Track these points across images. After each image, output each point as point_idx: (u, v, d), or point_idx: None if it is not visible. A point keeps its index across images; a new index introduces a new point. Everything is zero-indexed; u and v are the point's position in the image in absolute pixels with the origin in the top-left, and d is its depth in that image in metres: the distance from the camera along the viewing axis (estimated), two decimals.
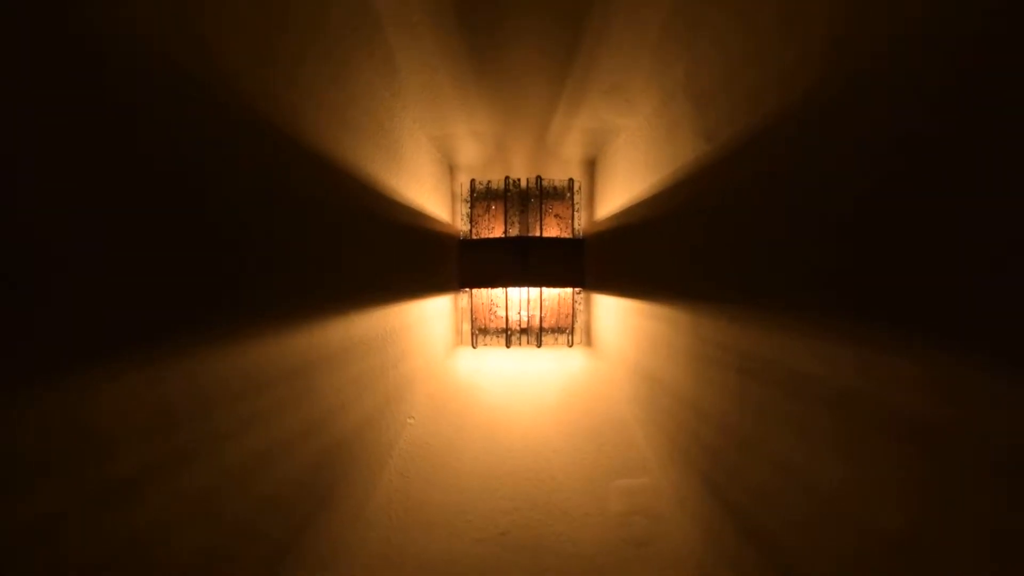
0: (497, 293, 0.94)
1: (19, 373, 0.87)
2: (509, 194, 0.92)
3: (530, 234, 0.91)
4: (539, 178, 0.93)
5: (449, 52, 0.92)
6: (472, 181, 0.94)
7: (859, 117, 0.86)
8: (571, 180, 0.93)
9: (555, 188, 0.92)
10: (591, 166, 0.96)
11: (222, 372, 0.90)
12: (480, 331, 0.94)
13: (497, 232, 0.92)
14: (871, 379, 0.88)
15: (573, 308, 0.96)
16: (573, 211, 0.93)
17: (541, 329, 0.95)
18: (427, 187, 0.96)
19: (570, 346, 0.96)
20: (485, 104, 0.93)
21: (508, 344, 0.94)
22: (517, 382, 0.98)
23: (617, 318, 0.99)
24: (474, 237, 0.92)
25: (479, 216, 0.93)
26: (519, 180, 0.93)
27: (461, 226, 0.95)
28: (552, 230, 0.92)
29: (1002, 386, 0.87)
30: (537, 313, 0.95)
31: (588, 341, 0.98)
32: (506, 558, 0.95)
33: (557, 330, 0.96)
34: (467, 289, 0.94)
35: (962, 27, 0.88)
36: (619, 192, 0.96)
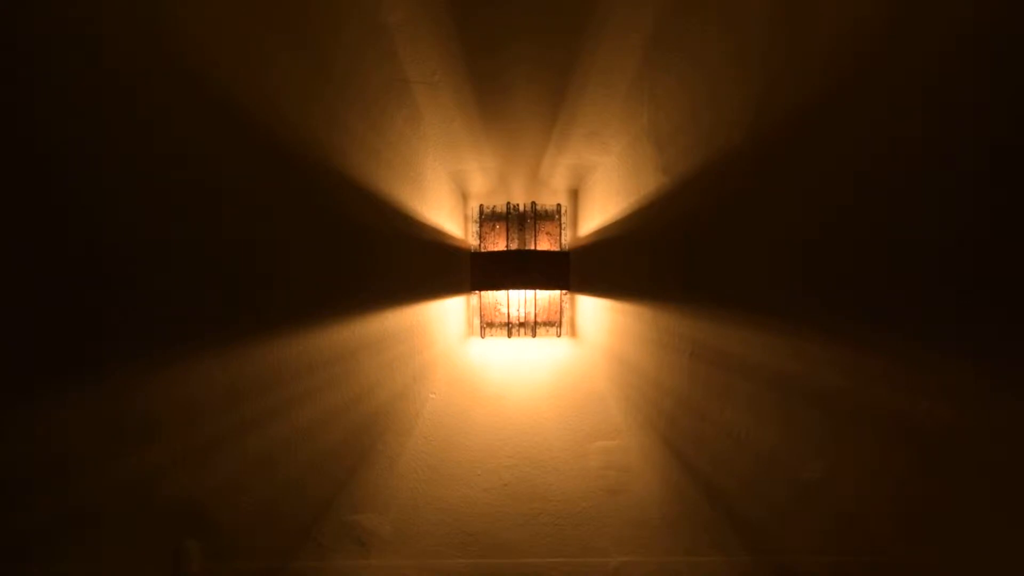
0: (500, 294, 1.19)
1: (141, 357, 1.15)
2: (510, 216, 1.17)
3: (527, 248, 1.15)
4: (533, 203, 1.17)
5: (462, 104, 1.16)
6: (480, 206, 1.18)
7: (790, 151, 1.11)
8: (559, 205, 1.18)
9: (546, 211, 1.17)
10: (575, 194, 1.21)
11: (282, 356, 1.15)
12: (487, 324, 1.19)
13: (500, 246, 1.17)
14: (781, 357, 1.13)
15: (561, 306, 1.20)
16: (560, 230, 1.18)
17: (535, 323, 1.20)
18: (445, 211, 1.21)
19: (559, 336, 1.20)
20: (491, 146, 1.18)
21: (509, 335, 1.19)
22: (516, 365, 1.23)
23: (595, 314, 1.24)
24: (482, 250, 1.17)
25: (486, 233, 1.18)
26: (518, 205, 1.17)
27: (472, 241, 1.20)
28: (544, 245, 1.17)
29: (884, 362, 1.14)
30: (532, 310, 1.20)
31: (573, 332, 1.23)
32: (508, 504, 1.19)
33: (548, 324, 1.20)
34: (477, 291, 1.19)
35: (880, 89, 1.14)
36: (596, 215, 1.21)
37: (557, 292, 1.17)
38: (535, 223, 1.15)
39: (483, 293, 1.16)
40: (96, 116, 1.12)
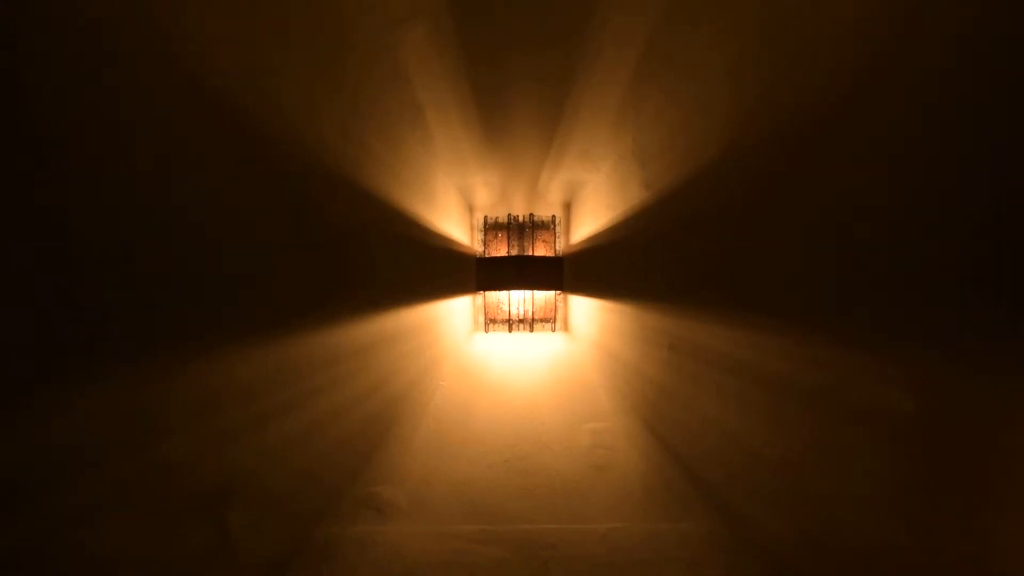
0: (502, 294, 1.34)
1: (175, 351, 1.31)
2: (511, 226, 1.33)
3: (525, 254, 1.31)
4: (531, 215, 1.33)
5: (469, 126, 1.32)
6: (485, 216, 1.34)
7: (770, 165, 1.27)
8: (553, 216, 1.34)
9: (542, 221, 1.33)
10: (568, 206, 1.37)
11: (310, 348, 1.31)
12: (490, 321, 1.35)
13: (502, 252, 1.32)
14: (752, 349, 1.29)
15: (555, 305, 1.36)
16: (555, 238, 1.34)
17: (533, 320, 1.36)
18: (453, 220, 1.37)
19: (553, 331, 1.36)
20: (495, 163, 1.34)
21: (510, 330, 1.35)
22: (516, 356, 1.39)
23: (586, 312, 1.40)
24: (486, 256, 1.33)
25: (490, 241, 1.33)
26: (518, 216, 1.33)
27: (477, 248, 1.36)
28: (540, 251, 1.33)
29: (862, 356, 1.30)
30: (530, 308, 1.36)
31: (566, 328, 1.39)
32: (509, 478, 1.35)
33: (544, 320, 1.36)
34: (481, 292, 1.35)
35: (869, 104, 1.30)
36: (587, 225, 1.37)
37: (552, 292, 1.33)
38: (533, 232, 1.31)
39: (487, 293, 1.32)
40: (111, 131, 1.27)
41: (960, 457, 1.24)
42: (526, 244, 1.28)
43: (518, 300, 1.29)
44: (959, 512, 1.23)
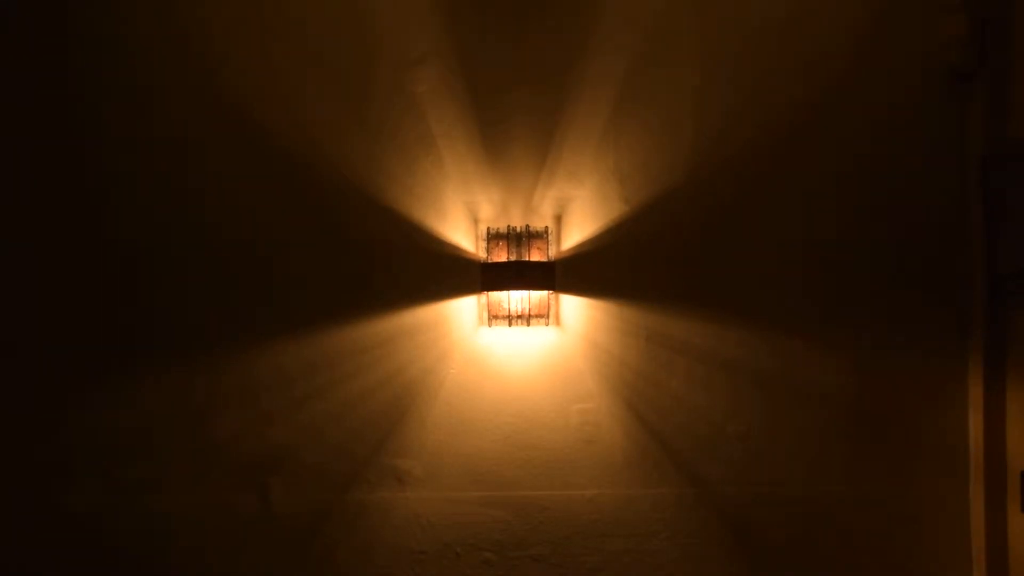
0: (503, 294, 1.56)
1: (224, 347, 1.55)
2: (510, 235, 1.54)
3: (523, 259, 1.54)
4: (527, 226, 1.54)
5: (474, 151, 1.54)
6: (487, 227, 1.56)
7: (724, 187, 1.50)
8: (546, 227, 1.55)
9: (537, 232, 1.55)
10: (558, 219, 1.58)
11: (340, 340, 1.53)
12: (493, 317, 1.57)
13: (503, 258, 1.53)
14: (715, 339, 1.52)
15: (549, 303, 1.58)
16: (548, 245, 1.55)
17: (529, 315, 1.58)
18: (461, 231, 1.59)
19: (547, 326, 1.59)
20: (497, 183, 1.56)
21: (510, 325, 1.56)
22: (516, 346, 1.60)
23: (575, 309, 1.62)
24: (489, 261, 1.56)
25: (492, 248, 1.55)
26: (516, 227, 1.55)
27: (481, 254, 1.58)
28: (535, 257, 1.54)
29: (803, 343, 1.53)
30: (527, 306, 1.57)
31: (558, 323, 1.62)
32: (509, 451, 1.57)
33: (539, 316, 1.58)
34: (485, 292, 1.58)
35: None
36: (575, 234, 1.59)
37: (546, 292, 1.55)
38: (529, 240, 1.53)
39: (490, 293, 1.54)
40: (149, 158, 1.51)
41: (881, 422, 1.48)
42: (523, 251, 1.51)
43: (517, 299, 1.52)
44: (881, 466, 1.47)
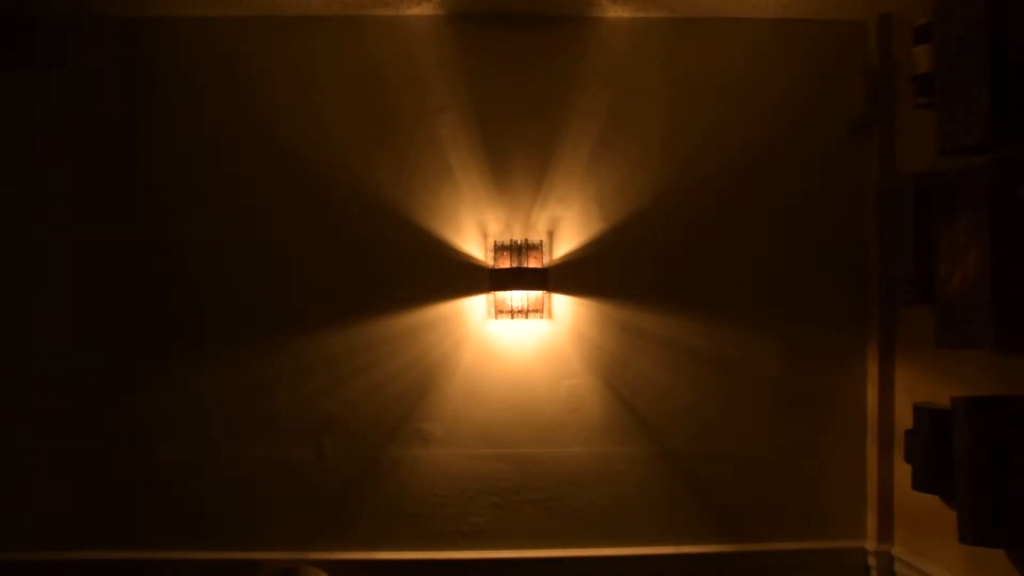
0: (507, 294, 1.92)
1: (281, 334, 1.94)
2: (512, 247, 1.91)
3: (523, 266, 1.93)
4: (526, 239, 1.89)
5: (484, 177, 1.90)
6: (495, 240, 1.93)
7: (688, 207, 1.89)
8: (541, 240, 1.89)
9: (534, 244, 1.89)
10: (551, 234, 1.94)
11: (377, 329, 1.91)
12: (499, 312, 1.93)
13: (507, 265, 1.88)
14: (669, 328, 1.93)
15: (543, 300, 1.96)
16: (543, 255, 1.94)
17: (528, 310, 1.97)
18: (473, 243, 1.95)
19: (542, 319, 1.98)
20: (502, 204, 1.90)
21: (512, 318, 1.93)
22: (517, 335, 1.96)
23: (564, 305, 1.99)
24: (496, 267, 1.94)
25: (498, 257, 1.89)
26: (517, 240, 1.92)
27: (489, 262, 1.96)
28: (533, 264, 1.88)
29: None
30: (526, 303, 1.95)
31: (550, 316, 2.00)
32: (512, 417, 1.93)
33: (536, 311, 1.95)
34: (492, 292, 1.96)
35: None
36: (564, 246, 1.97)
37: (541, 292, 1.94)
38: (527, 251, 1.91)
39: (496, 293, 1.93)
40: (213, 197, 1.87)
41: (806, 399, 1.89)
42: (523, 259, 1.87)
43: (518, 297, 1.87)
44: (805, 433, 1.89)
